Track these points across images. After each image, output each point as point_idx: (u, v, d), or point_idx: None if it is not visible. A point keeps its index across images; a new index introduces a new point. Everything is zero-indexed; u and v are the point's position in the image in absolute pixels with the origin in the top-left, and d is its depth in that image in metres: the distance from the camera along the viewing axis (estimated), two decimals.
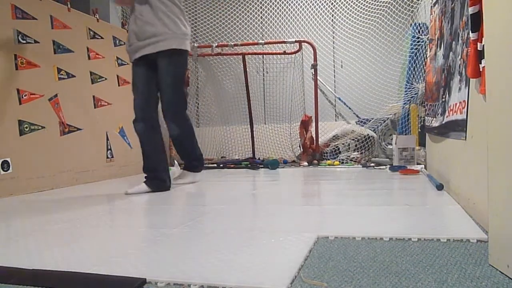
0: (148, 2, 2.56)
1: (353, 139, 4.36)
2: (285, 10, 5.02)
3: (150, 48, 2.57)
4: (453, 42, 2.00)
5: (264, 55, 5.05)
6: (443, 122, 2.23)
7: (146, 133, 2.66)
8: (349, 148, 4.38)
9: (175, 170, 4.30)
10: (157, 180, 2.66)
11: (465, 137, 1.71)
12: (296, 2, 4.95)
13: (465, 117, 1.70)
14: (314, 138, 4.46)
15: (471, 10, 1.40)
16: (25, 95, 2.85)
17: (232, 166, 4.39)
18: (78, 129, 3.31)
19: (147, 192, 2.62)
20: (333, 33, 4.99)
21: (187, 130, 2.80)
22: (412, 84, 4.00)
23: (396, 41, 4.57)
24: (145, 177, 2.68)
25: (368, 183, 2.79)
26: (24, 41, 2.91)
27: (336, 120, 5.05)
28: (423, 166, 3.37)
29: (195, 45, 4.82)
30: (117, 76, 3.90)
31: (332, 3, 4.85)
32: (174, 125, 2.71)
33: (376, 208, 1.85)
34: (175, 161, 4.47)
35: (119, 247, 1.33)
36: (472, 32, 1.41)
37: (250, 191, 2.71)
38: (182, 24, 2.64)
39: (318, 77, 4.62)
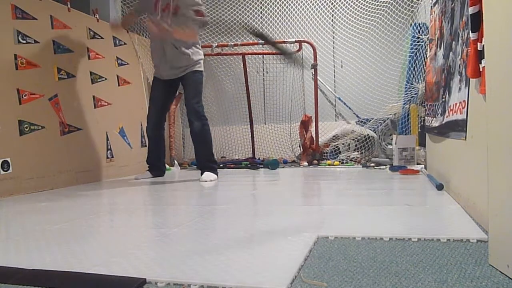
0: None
1: (353, 139, 4.36)
2: (285, 10, 5.01)
3: (186, 71, 3.28)
4: (453, 42, 2.00)
5: (264, 55, 5.05)
6: (443, 122, 2.23)
7: (155, 138, 3.48)
8: (349, 148, 4.38)
9: (175, 170, 4.32)
10: (157, 170, 3.55)
11: (465, 137, 1.71)
12: (296, 2, 4.94)
13: (465, 117, 1.70)
14: (314, 138, 4.45)
15: (471, 10, 1.40)
16: (25, 95, 2.85)
17: (232, 166, 4.39)
18: (78, 129, 3.31)
19: (150, 178, 3.47)
20: (333, 33, 4.99)
21: (207, 125, 3.32)
22: (412, 84, 3.99)
23: (396, 41, 4.56)
24: (148, 167, 3.54)
25: (368, 183, 2.79)
26: (24, 41, 2.91)
27: (336, 120, 5.04)
28: (423, 166, 3.36)
29: None
30: (117, 76, 3.89)
31: (332, 3, 4.85)
32: (197, 123, 3.24)
33: (376, 208, 1.85)
34: (175, 161, 4.48)
35: (119, 247, 1.33)
36: (472, 32, 1.41)
37: (250, 191, 2.71)
38: (201, 50, 3.42)
39: (318, 77, 4.62)
